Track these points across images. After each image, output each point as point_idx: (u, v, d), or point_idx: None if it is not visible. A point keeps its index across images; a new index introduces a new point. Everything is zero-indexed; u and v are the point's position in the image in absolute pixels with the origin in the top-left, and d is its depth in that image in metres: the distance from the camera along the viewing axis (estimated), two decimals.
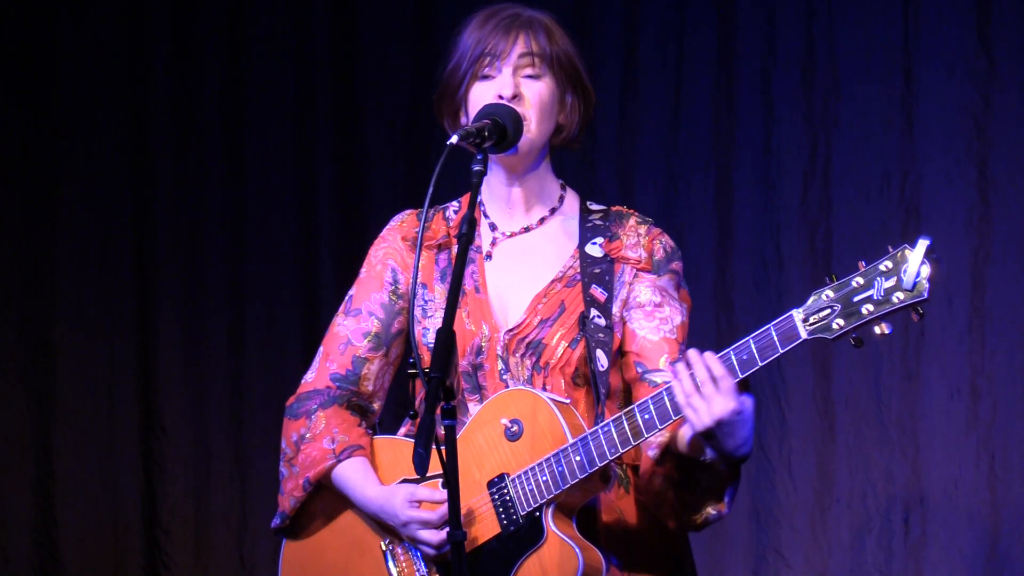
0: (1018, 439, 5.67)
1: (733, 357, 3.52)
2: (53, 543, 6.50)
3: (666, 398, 3.58)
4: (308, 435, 3.89)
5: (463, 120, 3.86)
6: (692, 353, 3.56)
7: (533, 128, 3.81)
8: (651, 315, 3.82)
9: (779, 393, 5.89)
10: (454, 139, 3.63)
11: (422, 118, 6.31)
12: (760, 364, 3.52)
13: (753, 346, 3.51)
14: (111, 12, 6.52)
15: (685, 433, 3.63)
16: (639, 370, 3.79)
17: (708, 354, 3.55)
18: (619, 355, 3.82)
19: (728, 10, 5.99)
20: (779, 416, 5.89)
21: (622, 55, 6.12)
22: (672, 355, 3.76)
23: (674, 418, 3.57)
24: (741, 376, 3.53)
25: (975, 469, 5.69)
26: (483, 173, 3.59)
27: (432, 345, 3.79)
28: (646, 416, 3.59)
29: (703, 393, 3.52)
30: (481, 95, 3.81)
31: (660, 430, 3.60)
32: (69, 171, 6.53)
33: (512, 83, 3.79)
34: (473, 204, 3.57)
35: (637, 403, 3.61)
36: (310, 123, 6.47)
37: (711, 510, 3.69)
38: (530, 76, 3.81)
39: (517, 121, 3.73)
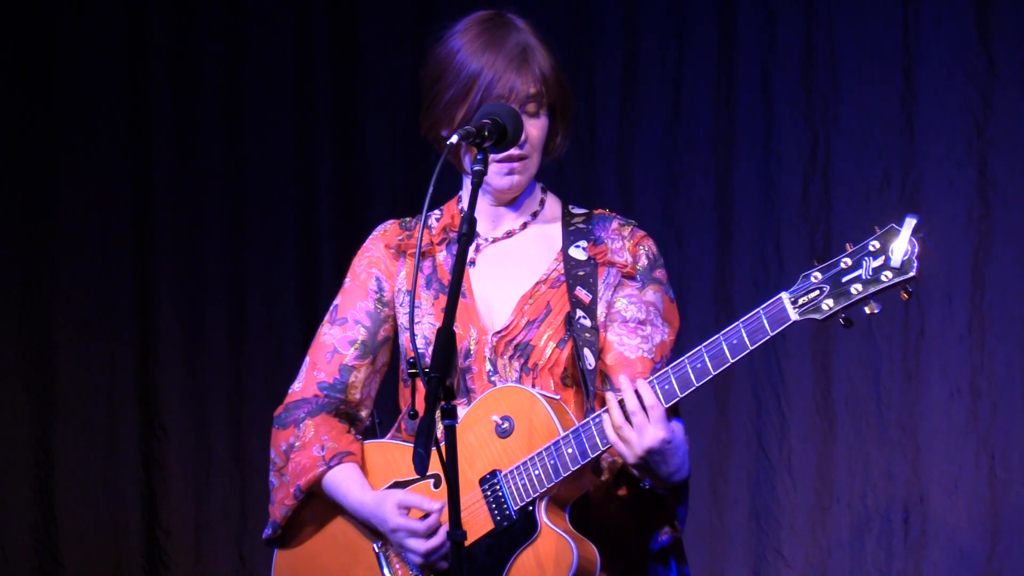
0: (1018, 439, 5.67)
1: (671, 374, 3.55)
2: (53, 543, 6.50)
3: (657, 388, 3.58)
4: (297, 443, 3.89)
5: None
6: (623, 380, 3.59)
7: (532, 166, 3.84)
8: (634, 332, 3.82)
9: (779, 393, 5.89)
10: (454, 139, 3.62)
11: (421, 131, 6.30)
12: (751, 348, 3.53)
13: (743, 330, 3.53)
14: (111, 12, 6.52)
15: None
16: (607, 386, 3.80)
17: (640, 381, 3.58)
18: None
19: (728, 10, 5.99)
20: (779, 416, 5.90)
21: (622, 55, 6.12)
22: (644, 375, 3.75)
23: (666, 405, 3.58)
24: (682, 394, 3.54)
25: (975, 469, 5.70)
26: (483, 173, 3.58)
27: (420, 350, 3.80)
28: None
29: (634, 423, 3.54)
30: None
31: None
32: (69, 171, 6.53)
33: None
34: (473, 204, 3.55)
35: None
36: (310, 123, 6.47)
37: (663, 536, 3.71)
38: (531, 114, 3.81)
39: (517, 121, 3.72)
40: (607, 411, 3.61)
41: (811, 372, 5.87)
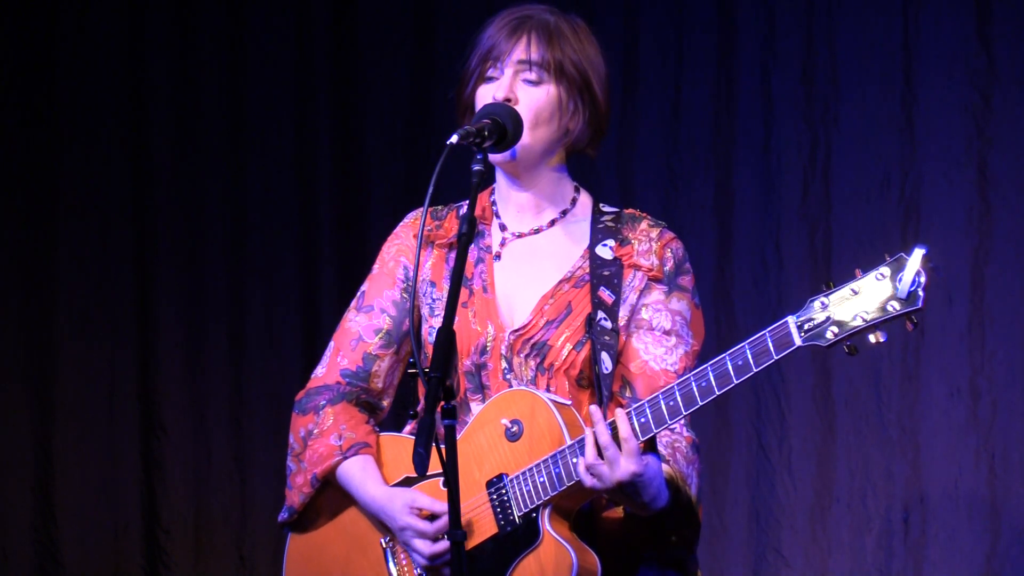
0: (1018, 439, 5.67)
1: (662, 401, 3.54)
2: (53, 543, 6.50)
3: (662, 402, 3.58)
4: (316, 431, 3.89)
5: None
6: (594, 411, 3.58)
7: (526, 134, 3.80)
8: (659, 342, 3.81)
9: (779, 393, 5.89)
10: (454, 138, 3.63)
11: (422, 118, 6.30)
12: (755, 370, 3.52)
13: (748, 352, 3.52)
14: (111, 12, 6.52)
15: None
16: (626, 393, 3.79)
17: (618, 411, 3.57)
18: (618, 362, 3.82)
19: (728, 10, 5.99)
20: (779, 416, 5.89)
21: (622, 55, 6.12)
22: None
23: (670, 422, 3.57)
24: (671, 421, 3.53)
25: (975, 469, 5.69)
26: (483, 173, 3.59)
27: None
28: (642, 420, 3.59)
29: (606, 457, 3.54)
30: (484, 97, 3.82)
31: (655, 433, 3.59)
32: (69, 171, 6.53)
33: (507, 86, 3.79)
34: (473, 204, 3.56)
35: (634, 407, 3.61)
36: (310, 123, 6.47)
37: (677, 551, 3.72)
38: (529, 82, 3.81)
39: (517, 121, 3.73)
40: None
41: (811, 372, 5.87)
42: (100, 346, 6.53)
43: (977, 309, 5.71)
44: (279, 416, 4.01)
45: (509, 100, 3.77)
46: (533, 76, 3.81)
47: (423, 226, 3.67)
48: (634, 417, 3.56)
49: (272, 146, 6.49)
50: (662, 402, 3.56)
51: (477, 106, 3.81)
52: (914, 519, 5.76)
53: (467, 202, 3.95)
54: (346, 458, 3.85)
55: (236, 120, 6.52)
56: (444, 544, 3.69)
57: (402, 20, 6.37)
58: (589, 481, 3.56)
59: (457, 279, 3.46)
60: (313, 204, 6.46)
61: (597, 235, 3.87)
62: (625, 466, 3.53)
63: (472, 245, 3.89)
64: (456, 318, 3.77)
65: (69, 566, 6.50)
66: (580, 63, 3.83)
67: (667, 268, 3.84)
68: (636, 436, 3.55)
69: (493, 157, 3.79)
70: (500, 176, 3.89)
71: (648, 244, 3.85)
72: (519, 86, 3.80)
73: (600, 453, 3.55)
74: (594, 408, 3.59)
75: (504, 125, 3.69)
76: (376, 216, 6.28)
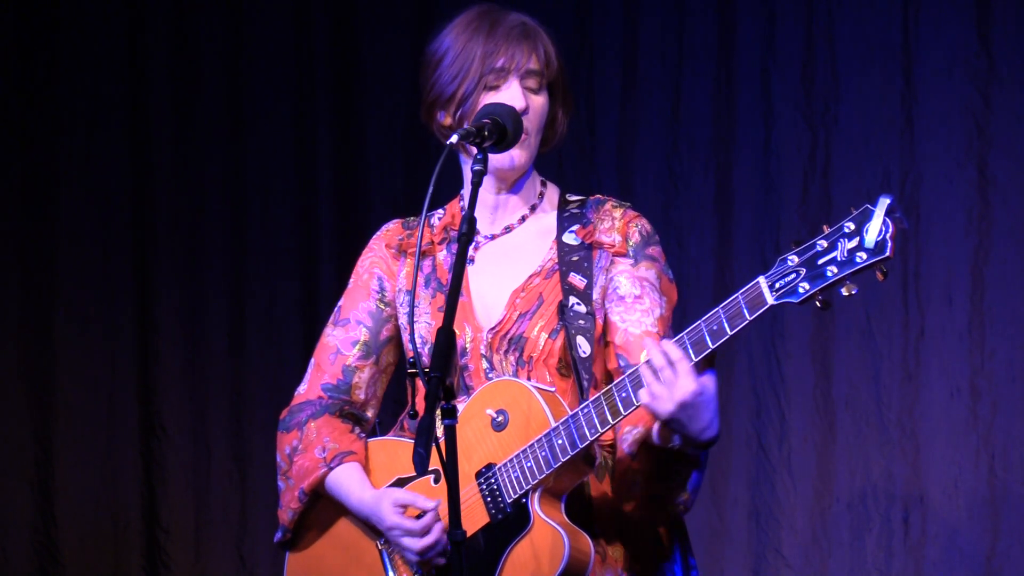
0: (1018, 439, 5.67)
1: (686, 340, 3.52)
2: (53, 543, 6.50)
3: (687, 342, 3.57)
4: (300, 446, 3.91)
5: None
6: (648, 341, 3.57)
7: (532, 142, 3.82)
8: (632, 308, 3.81)
9: (779, 393, 5.89)
10: (454, 138, 3.64)
11: (422, 119, 6.30)
12: (730, 333, 3.50)
13: (723, 316, 3.51)
14: (111, 11, 6.52)
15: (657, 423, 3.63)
16: (620, 363, 3.79)
17: (664, 340, 3.56)
18: (603, 344, 3.82)
19: (728, 10, 6.00)
20: (779, 416, 5.90)
21: (622, 55, 6.12)
22: None
23: (695, 359, 3.55)
24: (696, 358, 3.51)
25: (975, 469, 5.70)
26: (483, 172, 3.60)
27: (417, 349, 3.82)
28: (623, 394, 3.59)
29: (662, 379, 3.51)
30: None
31: (637, 407, 3.58)
32: (69, 170, 6.53)
33: (523, 96, 3.80)
34: (473, 203, 3.57)
35: (615, 382, 3.61)
36: (310, 123, 6.47)
37: (679, 501, 3.68)
38: (531, 90, 3.82)
39: (517, 121, 3.74)
40: (603, 393, 3.60)
41: (811, 372, 5.87)
42: (100, 346, 6.53)
43: (977, 309, 5.72)
44: (279, 416, 4.01)
45: (526, 110, 3.78)
46: (536, 85, 3.83)
47: (422, 227, 3.68)
48: (686, 340, 3.53)
49: (272, 145, 6.50)
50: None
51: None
52: (914, 519, 5.76)
53: (437, 211, 4.00)
54: (331, 468, 3.86)
55: (236, 119, 6.52)
56: (431, 538, 3.71)
57: (402, 19, 6.37)
58: (651, 404, 3.51)
59: (458, 278, 3.47)
60: (313, 204, 6.46)
61: (564, 224, 3.89)
62: (684, 386, 3.49)
63: (445, 252, 3.93)
64: (433, 323, 3.81)
65: (69, 566, 6.50)
66: (562, 62, 3.87)
67: (632, 242, 3.85)
68: (689, 357, 3.52)
69: (495, 163, 3.80)
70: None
71: (611, 223, 3.87)
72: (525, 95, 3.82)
73: (656, 376, 3.52)
74: (648, 339, 3.59)
75: (504, 125, 3.70)
76: (376, 216, 6.28)
